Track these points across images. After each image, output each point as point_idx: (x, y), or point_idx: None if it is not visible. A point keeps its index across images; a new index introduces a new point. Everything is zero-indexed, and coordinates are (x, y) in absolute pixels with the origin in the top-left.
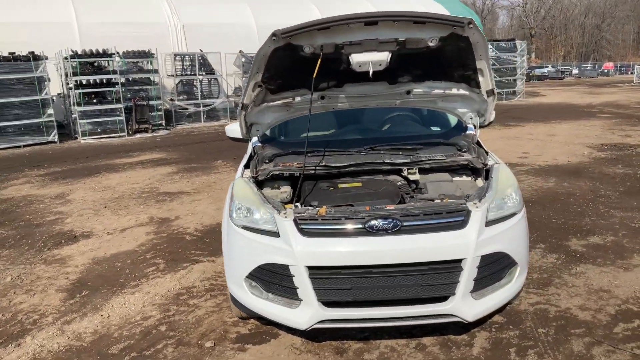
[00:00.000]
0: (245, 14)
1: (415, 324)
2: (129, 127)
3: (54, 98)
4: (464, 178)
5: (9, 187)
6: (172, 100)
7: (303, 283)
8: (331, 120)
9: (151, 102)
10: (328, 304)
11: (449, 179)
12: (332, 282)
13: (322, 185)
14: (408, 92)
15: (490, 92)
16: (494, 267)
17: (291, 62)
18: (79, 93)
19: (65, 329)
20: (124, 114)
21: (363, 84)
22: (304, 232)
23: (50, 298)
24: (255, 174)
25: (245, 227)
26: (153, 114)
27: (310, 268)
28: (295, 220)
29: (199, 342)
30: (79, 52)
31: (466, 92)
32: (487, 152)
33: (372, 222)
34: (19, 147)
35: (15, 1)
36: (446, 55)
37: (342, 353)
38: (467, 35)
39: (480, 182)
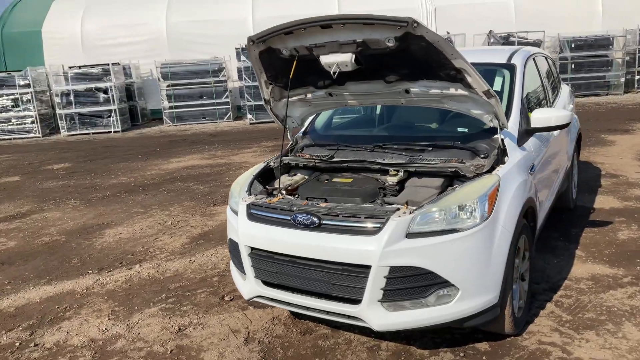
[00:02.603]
0: None
1: (329, 318)
2: None
3: None
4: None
5: (241, 153)
6: None
7: (245, 260)
8: (375, 116)
9: None
10: (266, 282)
11: (436, 185)
12: (263, 263)
13: (322, 177)
14: (407, 91)
15: (487, 94)
16: (412, 282)
17: (284, 63)
18: None
19: (162, 264)
20: None
21: (363, 82)
22: (251, 216)
23: (178, 241)
24: (273, 163)
25: (231, 207)
26: None
27: (251, 248)
28: (248, 206)
29: (224, 296)
30: None
31: (466, 92)
32: (502, 162)
33: (297, 216)
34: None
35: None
36: (416, 55)
37: (306, 333)
38: (421, 34)
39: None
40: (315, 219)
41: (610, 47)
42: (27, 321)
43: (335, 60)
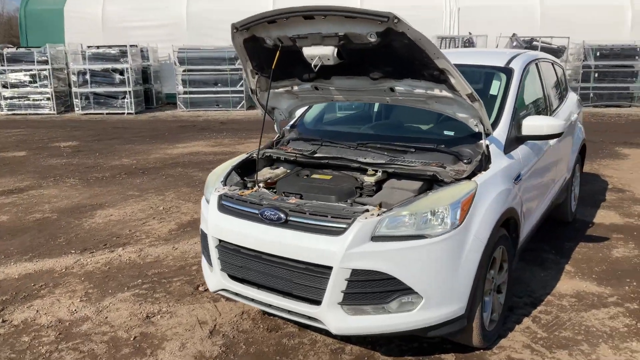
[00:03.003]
0: None
1: (291, 318)
2: None
3: None
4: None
5: (247, 143)
6: None
7: (213, 252)
8: (372, 114)
9: None
10: (232, 276)
11: (414, 188)
12: (230, 256)
13: (302, 172)
14: (392, 90)
15: (471, 97)
16: (374, 287)
17: (269, 53)
18: None
19: (144, 249)
20: None
21: (348, 77)
22: (221, 208)
23: (166, 227)
24: (254, 154)
25: (205, 197)
26: None
27: (219, 240)
28: (219, 197)
29: (199, 286)
30: None
31: (450, 94)
32: (485, 169)
33: (264, 211)
34: None
35: None
36: (399, 53)
37: (272, 330)
38: (402, 31)
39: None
40: (282, 215)
41: (637, 57)
42: (0, 297)
43: (317, 53)
